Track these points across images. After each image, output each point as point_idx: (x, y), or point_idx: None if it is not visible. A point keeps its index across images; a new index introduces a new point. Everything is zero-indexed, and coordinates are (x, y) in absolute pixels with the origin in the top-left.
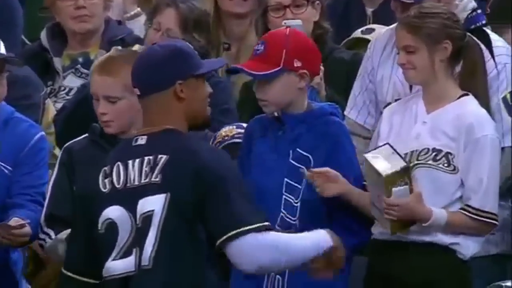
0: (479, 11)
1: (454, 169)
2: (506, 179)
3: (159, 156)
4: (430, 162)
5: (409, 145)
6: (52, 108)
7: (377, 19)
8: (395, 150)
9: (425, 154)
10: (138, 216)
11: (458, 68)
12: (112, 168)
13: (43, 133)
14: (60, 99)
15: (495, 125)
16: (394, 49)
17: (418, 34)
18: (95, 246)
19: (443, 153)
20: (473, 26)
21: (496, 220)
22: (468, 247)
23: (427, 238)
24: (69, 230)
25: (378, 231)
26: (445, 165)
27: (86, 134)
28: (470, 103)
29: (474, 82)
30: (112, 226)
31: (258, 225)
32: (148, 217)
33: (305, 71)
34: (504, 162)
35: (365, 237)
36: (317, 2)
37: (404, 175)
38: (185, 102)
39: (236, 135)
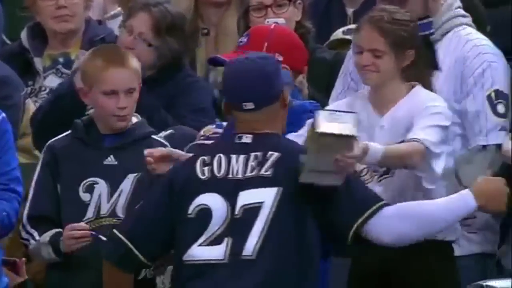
0: (429, 19)
1: None
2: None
3: (270, 152)
4: None
5: None
6: (32, 108)
7: (357, 19)
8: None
9: None
10: (238, 207)
11: None
12: (213, 158)
13: (3, 114)
14: (41, 99)
15: (481, 124)
16: None
17: (390, 39)
18: (169, 229)
19: None
20: (420, 33)
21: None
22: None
23: None
24: (52, 231)
25: None
26: None
27: (68, 132)
28: (420, 92)
29: (417, 73)
30: (205, 212)
31: (384, 201)
32: (254, 209)
33: (286, 65)
34: (488, 160)
35: None
36: (299, 1)
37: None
38: (286, 108)
39: (212, 135)
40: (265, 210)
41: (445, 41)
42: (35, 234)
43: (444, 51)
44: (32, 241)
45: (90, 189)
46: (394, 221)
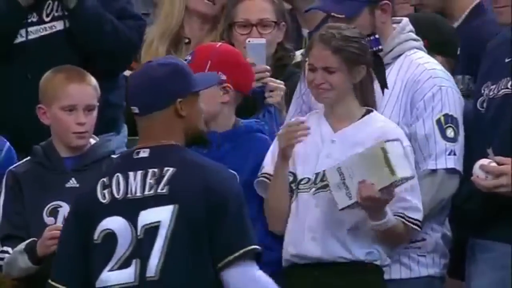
0: (376, 36)
1: None
2: (440, 200)
3: (165, 168)
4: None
5: (320, 165)
6: None
7: None
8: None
9: None
10: (139, 227)
11: None
12: (111, 179)
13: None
14: None
15: (430, 148)
16: None
17: (342, 56)
18: (86, 256)
19: None
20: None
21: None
22: (385, 260)
23: (347, 256)
24: (27, 241)
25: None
26: None
27: (28, 158)
28: (378, 119)
29: (366, 98)
30: (110, 236)
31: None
32: (152, 229)
33: (228, 85)
34: (437, 184)
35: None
36: (283, 23)
37: (407, 180)
38: (185, 118)
39: None
40: (162, 229)
41: (396, 65)
42: (10, 250)
43: (395, 74)
44: (6, 255)
45: (54, 213)
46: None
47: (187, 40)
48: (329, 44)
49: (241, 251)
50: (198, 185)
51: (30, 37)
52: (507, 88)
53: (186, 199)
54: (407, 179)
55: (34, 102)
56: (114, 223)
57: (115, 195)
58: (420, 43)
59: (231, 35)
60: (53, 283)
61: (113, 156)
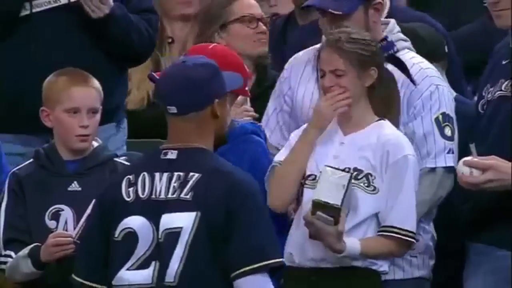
0: (389, 39)
1: (374, 190)
2: (438, 199)
3: (191, 173)
4: (352, 181)
5: (327, 163)
6: None
7: None
8: (347, 184)
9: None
10: (160, 230)
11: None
12: (137, 177)
13: None
14: None
15: (429, 146)
16: (316, 71)
17: (350, 59)
18: (107, 252)
19: (363, 173)
20: (386, 54)
21: (415, 239)
22: (384, 266)
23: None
24: (31, 246)
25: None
26: (365, 184)
27: (31, 160)
28: (387, 126)
29: (388, 111)
30: (131, 235)
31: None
32: (174, 234)
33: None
34: (437, 182)
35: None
36: None
37: (335, 211)
38: (218, 119)
39: None
40: (184, 235)
41: (389, 65)
42: (12, 253)
43: None
44: (9, 259)
45: (55, 216)
46: None
47: (170, 40)
48: (336, 47)
49: (258, 265)
50: (221, 193)
51: (34, 10)
52: (501, 90)
53: (208, 207)
54: (333, 207)
55: (36, 75)
56: (136, 222)
57: (140, 194)
58: (409, 43)
59: (229, 33)
60: (78, 279)
61: (116, 159)
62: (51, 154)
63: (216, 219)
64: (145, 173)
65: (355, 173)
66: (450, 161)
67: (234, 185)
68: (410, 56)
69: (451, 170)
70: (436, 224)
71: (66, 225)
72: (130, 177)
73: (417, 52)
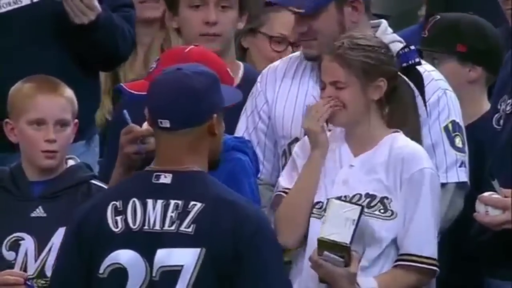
0: (412, 47)
1: (391, 215)
2: (449, 220)
3: (192, 203)
4: (364, 210)
5: (335, 191)
6: None
7: None
8: (357, 219)
9: (357, 201)
10: (155, 267)
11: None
12: (126, 204)
13: None
14: None
15: (438, 159)
16: (298, 78)
17: (352, 68)
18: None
19: (378, 199)
20: (405, 64)
21: (437, 266)
22: None
23: None
24: None
25: None
26: (381, 211)
27: None
28: (400, 138)
29: (405, 123)
30: (120, 272)
31: None
32: (172, 272)
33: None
34: (448, 200)
35: None
36: None
37: (342, 250)
38: (215, 137)
39: None
40: (185, 275)
41: None
42: None
43: None
44: None
45: (14, 246)
46: None
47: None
48: (336, 54)
49: None
50: (228, 227)
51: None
52: None
53: (214, 243)
54: (336, 245)
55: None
56: (126, 257)
57: (130, 224)
58: (404, 44)
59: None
60: None
61: (93, 181)
62: (16, 175)
63: (223, 257)
64: (135, 199)
65: (368, 199)
66: (463, 176)
67: (242, 219)
68: None
69: (463, 186)
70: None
71: (26, 256)
72: (117, 203)
73: (468, 45)
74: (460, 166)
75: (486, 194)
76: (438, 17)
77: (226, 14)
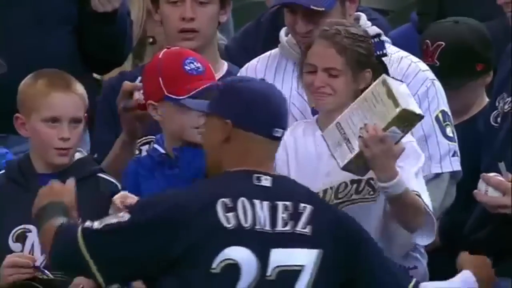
0: (382, 37)
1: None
2: (444, 210)
3: (302, 205)
4: (354, 196)
5: (319, 183)
6: None
7: None
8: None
9: (344, 190)
10: (270, 267)
11: None
12: (236, 202)
13: None
14: None
15: (431, 149)
16: (281, 76)
17: (348, 57)
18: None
19: (363, 182)
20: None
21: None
22: None
23: None
24: None
25: None
26: (371, 193)
27: (3, 171)
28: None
29: None
30: (233, 268)
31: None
32: (292, 272)
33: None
34: (444, 189)
35: None
36: None
37: (413, 121)
38: None
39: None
40: (305, 275)
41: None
42: None
43: None
44: None
45: (21, 238)
46: None
47: (151, 40)
48: (334, 42)
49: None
50: (333, 226)
51: None
52: None
53: (329, 243)
54: (415, 115)
55: None
56: (240, 254)
57: (242, 222)
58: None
59: None
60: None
61: (101, 175)
62: (24, 166)
63: (336, 256)
64: (243, 198)
65: (355, 185)
66: (456, 165)
67: (342, 219)
68: (394, 50)
69: (457, 175)
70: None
71: (32, 249)
72: (226, 200)
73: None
74: (453, 156)
75: (491, 174)
76: (443, 43)
77: (205, 10)
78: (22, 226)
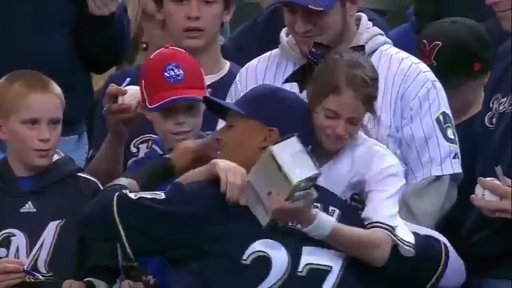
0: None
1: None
2: (445, 212)
3: (331, 208)
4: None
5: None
6: None
7: None
8: (303, 146)
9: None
10: (302, 263)
11: None
12: None
13: None
14: None
15: (432, 151)
16: (281, 77)
17: (370, 105)
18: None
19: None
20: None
21: (392, 233)
22: None
23: None
24: None
25: None
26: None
27: None
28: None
29: None
30: (264, 261)
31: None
32: (321, 272)
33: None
34: (444, 192)
35: None
36: None
37: (313, 180)
38: None
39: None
40: (333, 276)
41: (373, 62)
42: None
43: None
44: None
45: (6, 242)
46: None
47: (144, 46)
48: (360, 93)
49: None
50: None
51: None
52: None
53: None
54: (310, 179)
55: None
56: (272, 247)
57: None
58: (386, 37)
59: None
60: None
61: (80, 174)
62: (2, 170)
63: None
64: None
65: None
66: (457, 167)
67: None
68: (395, 51)
69: (457, 178)
70: None
71: (17, 252)
72: None
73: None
74: (453, 158)
75: (489, 179)
76: (439, 43)
77: (210, 9)
78: (6, 231)
